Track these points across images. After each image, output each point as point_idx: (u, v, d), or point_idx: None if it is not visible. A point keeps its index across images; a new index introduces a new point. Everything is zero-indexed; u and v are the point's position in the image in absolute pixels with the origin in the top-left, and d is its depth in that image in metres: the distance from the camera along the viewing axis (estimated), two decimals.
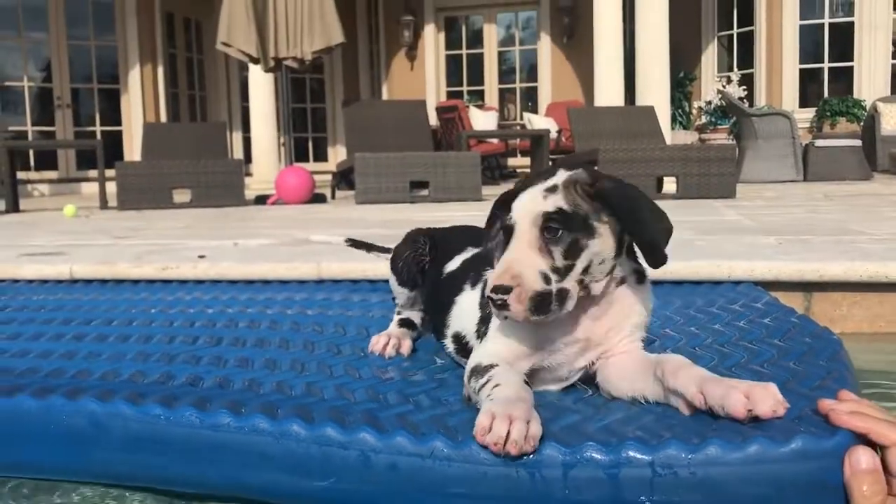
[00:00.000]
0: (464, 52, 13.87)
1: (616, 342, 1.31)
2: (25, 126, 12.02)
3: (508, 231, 1.24)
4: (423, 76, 13.75)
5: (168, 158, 7.81)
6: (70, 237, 3.66)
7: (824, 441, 1.07)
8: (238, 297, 2.11)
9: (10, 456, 1.15)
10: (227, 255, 2.55)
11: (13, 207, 7.32)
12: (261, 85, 10.66)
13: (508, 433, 1.04)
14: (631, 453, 1.06)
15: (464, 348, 1.46)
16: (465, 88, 13.80)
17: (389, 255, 1.76)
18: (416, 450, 1.07)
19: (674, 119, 12.70)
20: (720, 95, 11.68)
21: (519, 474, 1.04)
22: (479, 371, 1.25)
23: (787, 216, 3.92)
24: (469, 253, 1.58)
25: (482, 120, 11.65)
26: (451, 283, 1.53)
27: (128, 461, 1.09)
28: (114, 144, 12.10)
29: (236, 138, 13.45)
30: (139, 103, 12.30)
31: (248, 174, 10.94)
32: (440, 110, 11.77)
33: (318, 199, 7.85)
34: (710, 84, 12.68)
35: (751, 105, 11.56)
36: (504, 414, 1.06)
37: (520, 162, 12.82)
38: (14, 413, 1.13)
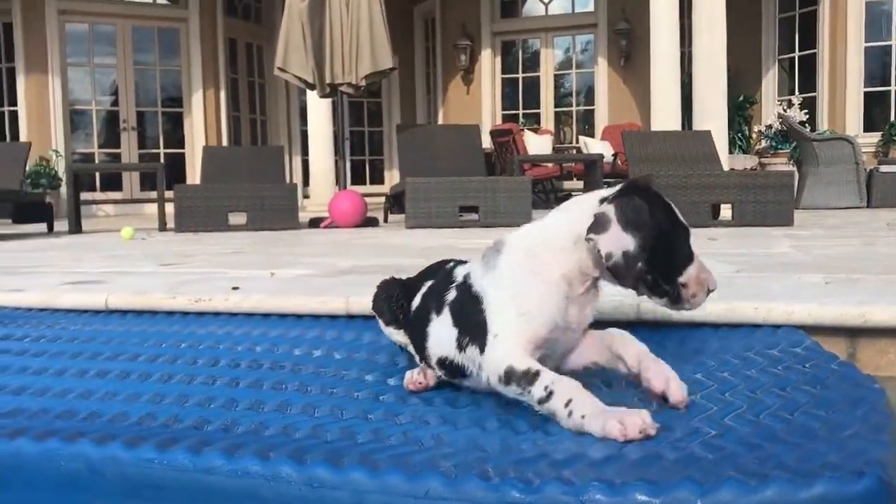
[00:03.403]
0: (520, 75, 13.88)
1: (585, 326, 1.52)
2: (92, 148, 12.40)
3: (686, 235, 1.45)
4: (478, 100, 13.79)
5: (225, 181, 7.96)
6: (116, 262, 3.73)
7: (850, 486, 1.01)
8: (269, 332, 2.12)
9: (14, 502, 1.16)
10: (261, 286, 2.56)
11: (75, 228, 7.53)
12: (318, 109, 10.82)
13: (629, 426, 1.23)
14: (639, 496, 1.01)
15: (452, 370, 1.55)
16: (520, 112, 13.80)
17: None
18: (409, 490, 1.06)
19: (733, 143, 12.48)
20: (780, 120, 11.44)
21: None
22: (520, 378, 1.34)
23: (843, 248, 3.80)
24: (425, 287, 1.68)
25: (537, 143, 11.62)
26: (418, 318, 1.64)
27: None
28: (176, 166, 12.40)
29: (296, 162, 13.66)
30: (201, 126, 12.59)
31: (307, 196, 11.11)
32: (494, 134, 11.79)
33: (371, 222, 7.91)
34: (771, 108, 12.44)
35: (812, 129, 11.30)
36: (618, 418, 1.24)
37: (575, 185, 12.73)
38: (14, 457, 1.15)
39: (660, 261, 1.39)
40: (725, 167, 8.98)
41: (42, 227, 8.02)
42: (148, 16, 12.42)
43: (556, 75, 13.75)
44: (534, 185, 12.12)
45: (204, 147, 9.22)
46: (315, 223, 7.78)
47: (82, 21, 12.10)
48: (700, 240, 4.55)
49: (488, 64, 13.72)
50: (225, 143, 12.64)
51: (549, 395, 1.31)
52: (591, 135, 13.00)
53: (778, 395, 1.58)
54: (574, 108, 13.78)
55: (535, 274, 1.44)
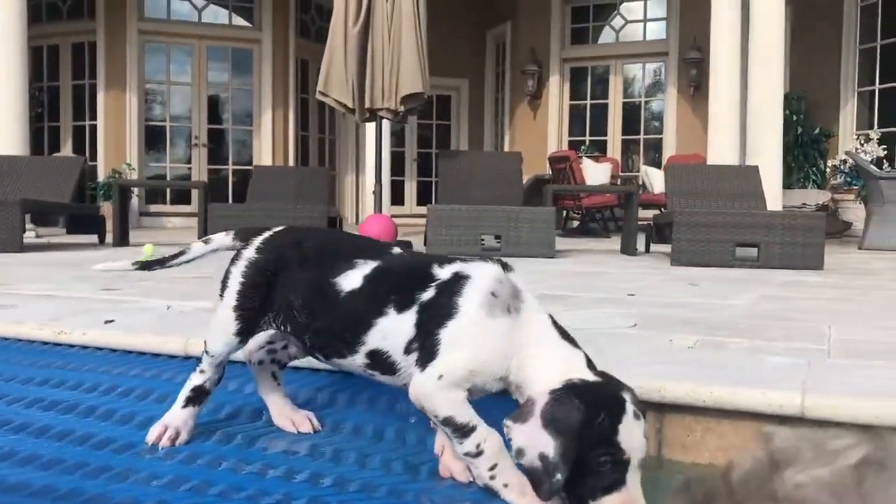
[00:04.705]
0: (588, 102, 13.72)
1: None
2: (165, 163, 12.91)
3: (620, 465, 1.26)
4: (545, 125, 13.70)
5: (271, 200, 8.16)
6: (66, 284, 3.85)
7: None
8: (112, 369, 2.15)
9: None
10: (144, 320, 2.60)
11: (120, 240, 7.83)
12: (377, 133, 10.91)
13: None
14: None
15: (382, 362, 1.46)
16: (587, 138, 13.63)
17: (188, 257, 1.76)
18: None
19: (808, 177, 12.01)
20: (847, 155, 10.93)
21: None
22: (456, 428, 1.34)
23: (816, 302, 3.58)
24: (366, 267, 1.51)
25: (595, 171, 11.44)
26: (357, 302, 1.48)
27: None
28: (244, 183, 12.75)
29: (362, 181, 13.85)
30: (269, 145, 12.94)
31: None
32: (552, 160, 11.67)
33: (404, 246, 7.93)
34: (848, 142, 11.89)
35: (891, 167, 10.72)
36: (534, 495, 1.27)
37: (641, 215, 12.44)
38: None
39: (578, 476, 1.25)
40: (778, 204, 8.65)
41: (93, 238, 8.35)
42: (223, 36, 12.88)
43: (624, 103, 13.53)
44: (591, 213, 11.94)
45: (255, 166, 9.48)
46: None
47: (161, 41, 12.64)
48: (678, 284, 4.39)
49: (556, 90, 13.62)
50: (291, 161, 12.95)
51: (479, 453, 1.33)
52: (659, 164, 12.71)
53: None
54: (641, 137, 13.52)
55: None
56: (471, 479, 1.43)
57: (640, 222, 10.07)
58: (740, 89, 9.10)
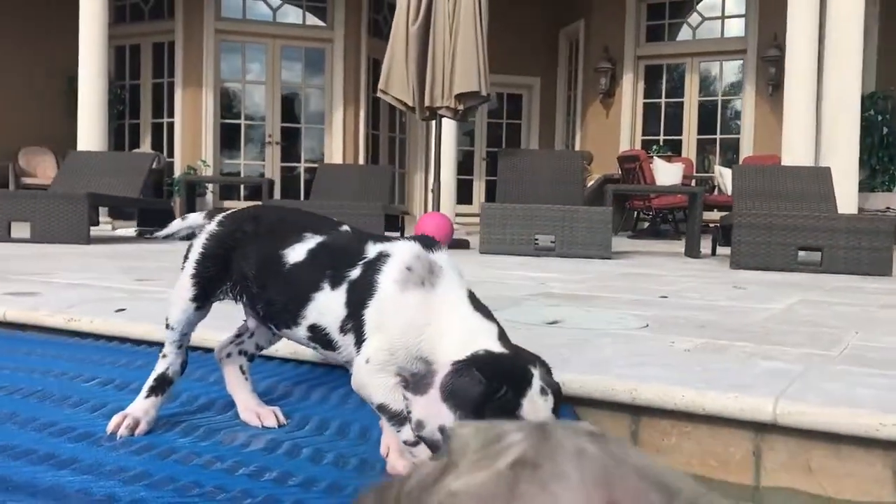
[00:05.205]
0: (662, 100, 13.43)
1: None
2: (239, 160, 13.20)
3: None
4: (617, 124, 13.48)
5: (334, 199, 8.26)
6: (103, 275, 3.95)
7: None
8: (103, 359, 2.19)
9: None
10: (155, 310, 2.63)
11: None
12: (446, 132, 10.91)
13: None
14: None
15: (321, 338, 1.48)
16: (661, 137, 13.34)
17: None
18: None
19: (893, 180, 11.49)
20: None
21: None
22: (392, 415, 1.36)
23: (847, 308, 3.41)
24: (311, 241, 1.53)
25: (666, 172, 11.18)
26: (299, 275, 1.50)
27: None
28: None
29: (430, 180, 13.87)
30: (340, 143, 13.09)
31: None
32: (622, 160, 11.46)
33: (461, 244, 7.91)
34: None
35: None
36: None
37: (712, 216, 12.12)
38: None
39: None
40: (853, 207, 8.30)
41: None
42: (297, 36, 13.08)
43: (700, 102, 13.19)
44: (664, 214, 11.68)
45: (319, 164, 9.61)
46: None
47: (237, 40, 12.93)
48: (723, 287, 4.23)
49: (629, 88, 13.38)
50: (361, 159, 13.06)
51: (417, 442, 1.31)
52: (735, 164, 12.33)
53: None
54: (718, 137, 13.15)
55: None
56: None
57: (712, 224, 9.82)
58: (817, 89, 8.75)
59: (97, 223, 9.57)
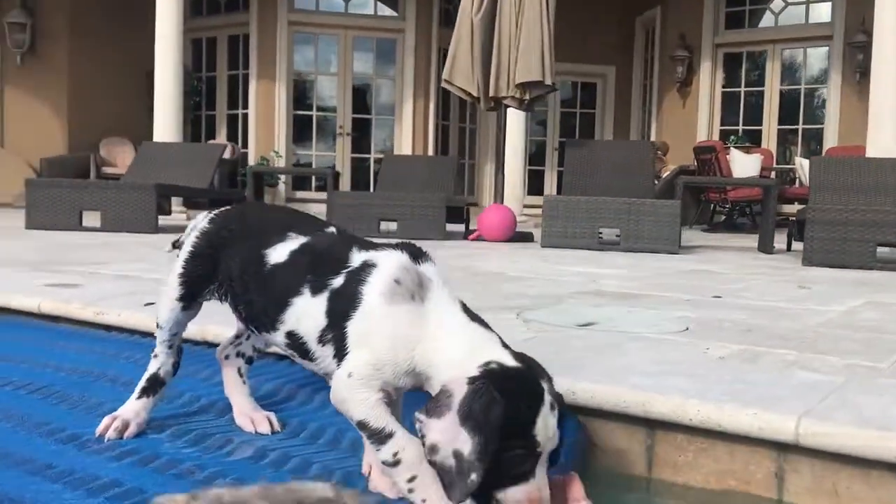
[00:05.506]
0: (742, 89, 12.99)
1: None
2: (311, 151, 13.33)
3: (532, 457, 1.17)
4: (694, 113, 13.09)
5: (397, 189, 8.23)
6: (150, 266, 3.98)
7: None
8: (120, 354, 2.17)
9: None
10: None
11: None
12: (514, 122, 10.77)
13: None
14: None
15: (298, 346, 1.42)
16: (739, 128, 12.90)
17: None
18: None
19: None
20: None
21: None
22: (372, 433, 1.27)
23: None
24: (294, 242, 1.47)
25: (743, 163, 10.79)
26: (280, 277, 1.45)
27: None
28: None
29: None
30: (410, 134, 13.08)
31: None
32: (697, 151, 11.12)
33: (524, 237, 7.79)
34: None
35: None
36: None
37: (793, 210, 11.65)
38: None
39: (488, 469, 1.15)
40: None
41: None
42: (369, 27, 13.10)
43: (782, 90, 12.69)
44: (740, 207, 11.29)
45: (385, 155, 9.60)
46: (466, 235, 7.81)
47: (309, 32, 13.03)
48: (787, 286, 4.01)
49: (707, 77, 12.97)
50: (431, 150, 13.02)
51: (396, 462, 1.25)
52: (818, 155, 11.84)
53: None
54: (800, 127, 12.64)
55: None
56: (401, 496, 1.32)
57: (791, 218, 9.43)
58: None
59: (169, 212, 9.81)
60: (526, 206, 11.38)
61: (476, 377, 1.17)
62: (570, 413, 1.66)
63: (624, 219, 6.61)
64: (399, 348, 1.28)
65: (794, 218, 8.15)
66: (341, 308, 1.34)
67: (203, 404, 1.80)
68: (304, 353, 1.41)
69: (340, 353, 1.33)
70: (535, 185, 14.23)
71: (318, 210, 12.65)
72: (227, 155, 11.52)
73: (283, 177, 12.81)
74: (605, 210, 6.65)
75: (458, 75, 7.95)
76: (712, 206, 11.63)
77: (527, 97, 7.85)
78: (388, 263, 1.34)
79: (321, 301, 1.37)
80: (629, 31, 14.34)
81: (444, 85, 8.20)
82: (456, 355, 1.24)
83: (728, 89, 13.08)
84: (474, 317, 1.32)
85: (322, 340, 1.37)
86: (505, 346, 1.27)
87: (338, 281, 1.36)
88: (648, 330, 2.41)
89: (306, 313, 1.39)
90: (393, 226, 7.63)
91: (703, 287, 3.81)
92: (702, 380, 1.74)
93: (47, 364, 2.06)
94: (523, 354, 1.26)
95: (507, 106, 8.10)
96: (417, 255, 1.37)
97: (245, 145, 13.01)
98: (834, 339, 2.35)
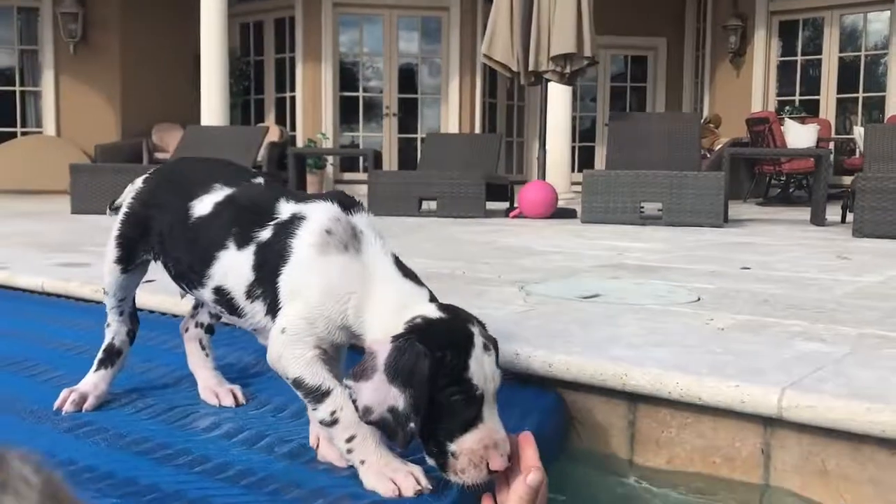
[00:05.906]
0: (798, 58, 12.53)
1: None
2: (357, 132, 13.32)
3: (474, 401, 1.16)
4: (749, 84, 12.69)
5: (439, 168, 8.16)
6: None
7: None
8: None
9: None
10: None
11: None
12: (558, 98, 10.58)
13: (402, 487, 1.17)
14: None
15: (226, 302, 1.38)
16: (796, 98, 12.47)
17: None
18: None
19: None
20: None
21: None
22: (308, 391, 1.24)
23: None
24: (219, 193, 1.43)
25: (798, 134, 10.42)
26: (205, 230, 1.40)
27: None
28: None
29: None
30: (456, 113, 12.96)
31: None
32: (750, 122, 10.77)
33: (567, 213, 7.66)
34: None
35: None
36: (392, 477, 1.18)
37: (845, 182, 11.24)
38: None
39: (430, 419, 1.15)
40: None
41: None
42: (413, 6, 12.99)
43: (840, 58, 12.21)
44: (797, 179, 10.93)
45: (427, 134, 9.52)
46: (508, 211, 7.72)
47: (354, 13, 12.99)
48: (826, 257, 3.82)
49: (762, 46, 12.55)
50: (478, 129, 12.89)
51: (334, 421, 1.23)
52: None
53: None
54: (860, 96, 12.15)
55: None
56: (350, 464, 1.26)
57: (847, 189, 9.08)
58: None
59: None
60: (576, 183, 11.18)
61: (399, 334, 1.16)
62: (550, 387, 1.59)
63: (666, 192, 6.44)
64: (331, 301, 1.24)
65: (850, 189, 7.85)
66: (271, 262, 1.29)
67: (177, 376, 1.77)
68: (233, 308, 1.37)
69: (273, 309, 1.29)
70: (587, 161, 13.99)
71: (364, 192, 12.68)
72: (274, 138, 11.59)
73: (330, 158, 12.83)
74: (647, 184, 6.48)
75: (498, 49, 7.82)
76: (767, 178, 11.28)
77: (567, 70, 7.69)
78: (318, 214, 1.30)
79: (247, 255, 1.33)
80: (680, 2, 13.96)
81: (483, 60, 8.08)
82: (385, 311, 1.22)
83: (784, 58, 12.64)
84: (407, 272, 1.28)
85: (250, 296, 1.33)
86: (433, 299, 1.25)
87: (265, 234, 1.32)
88: (655, 301, 2.31)
89: (232, 268, 1.35)
90: (433, 205, 7.56)
91: (735, 259, 3.66)
92: (689, 351, 1.64)
93: (28, 335, 2.05)
94: (450, 305, 1.24)
95: (547, 80, 7.94)
96: (348, 206, 1.32)
97: (293, 128, 13.07)
98: (854, 308, 2.22)
